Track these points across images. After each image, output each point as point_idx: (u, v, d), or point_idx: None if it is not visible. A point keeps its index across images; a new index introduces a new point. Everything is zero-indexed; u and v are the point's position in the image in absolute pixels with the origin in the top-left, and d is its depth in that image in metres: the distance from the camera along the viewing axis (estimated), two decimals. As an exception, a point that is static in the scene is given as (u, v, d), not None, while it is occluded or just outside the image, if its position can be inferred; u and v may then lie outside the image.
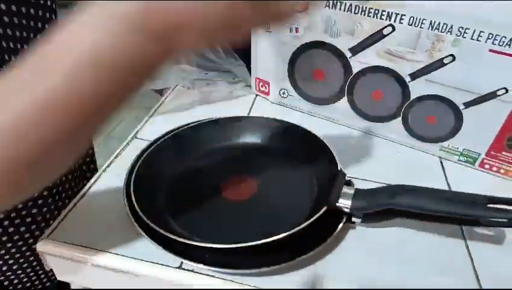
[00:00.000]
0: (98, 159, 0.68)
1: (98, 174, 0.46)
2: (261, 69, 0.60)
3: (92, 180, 0.45)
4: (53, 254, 0.37)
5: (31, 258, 0.50)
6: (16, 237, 0.46)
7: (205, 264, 0.34)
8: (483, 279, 0.36)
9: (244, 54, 0.61)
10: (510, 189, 0.47)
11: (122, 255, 0.36)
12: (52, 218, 0.50)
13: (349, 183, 0.42)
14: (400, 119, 0.52)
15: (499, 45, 0.41)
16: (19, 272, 0.50)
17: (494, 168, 0.49)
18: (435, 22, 0.43)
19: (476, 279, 0.36)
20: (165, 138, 0.48)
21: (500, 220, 0.35)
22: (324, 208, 0.37)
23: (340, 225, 0.37)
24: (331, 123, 0.58)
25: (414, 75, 0.48)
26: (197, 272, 0.35)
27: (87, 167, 0.61)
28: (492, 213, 0.34)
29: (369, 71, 0.50)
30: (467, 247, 0.39)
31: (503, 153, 0.48)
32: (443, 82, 0.46)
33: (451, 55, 0.44)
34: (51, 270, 0.39)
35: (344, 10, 0.47)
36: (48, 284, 0.54)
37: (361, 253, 0.38)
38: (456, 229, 0.41)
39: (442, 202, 0.35)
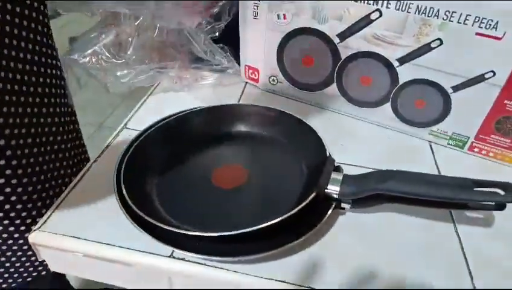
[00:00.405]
0: (91, 149, 0.68)
1: (88, 165, 0.46)
2: (250, 57, 0.60)
3: (83, 171, 0.45)
4: (45, 245, 0.38)
5: (20, 241, 0.50)
6: (6, 223, 0.46)
7: (196, 252, 0.34)
8: (472, 262, 0.37)
9: (232, 41, 0.61)
10: (499, 172, 0.48)
11: (114, 245, 0.37)
12: (44, 207, 0.50)
13: (338, 169, 0.42)
14: (389, 104, 0.52)
15: (485, 28, 0.41)
16: (13, 259, 0.50)
17: (484, 152, 0.50)
18: (421, 6, 0.43)
19: (465, 262, 0.37)
20: (155, 127, 0.48)
21: (488, 203, 0.35)
22: (313, 194, 0.37)
23: (330, 211, 0.38)
24: (320, 109, 0.58)
25: (402, 60, 0.48)
26: (188, 261, 0.35)
27: (78, 157, 0.61)
28: (480, 196, 0.34)
29: (358, 57, 0.50)
30: (456, 230, 0.40)
31: (492, 136, 0.48)
32: (431, 66, 0.46)
33: (439, 39, 0.44)
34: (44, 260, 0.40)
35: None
36: (44, 273, 0.55)
37: (351, 238, 0.39)
38: (445, 212, 0.41)
39: (430, 186, 0.35)
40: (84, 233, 0.37)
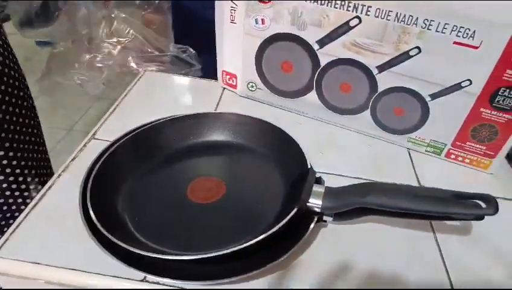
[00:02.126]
0: (61, 155, 0.64)
1: (52, 180, 0.42)
2: (228, 62, 0.58)
3: (45, 187, 0.41)
4: (2, 273, 0.34)
5: None
6: None
7: (171, 277, 0.32)
8: (452, 270, 0.37)
9: (208, 45, 0.58)
10: (475, 178, 0.49)
11: (80, 270, 0.34)
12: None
13: (319, 181, 0.41)
14: (368, 111, 0.52)
15: (463, 37, 0.41)
16: None
17: (460, 158, 0.50)
18: (400, 14, 0.42)
19: (445, 271, 0.37)
20: (125, 138, 0.45)
21: (468, 214, 0.35)
22: (294, 210, 0.35)
23: (312, 225, 0.36)
24: (300, 116, 0.56)
25: (381, 68, 0.47)
26: (163, 284, 0.33)
27: (43, 170, 0.57)
28: (461, 209, 0.34)
29: (337, 64, 0.49)
30: (436, 240, 0.40)
31: (468, 143, 0.48)
32: (410, 74, 0.46)
33: (417, 47, 0.44)
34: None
35: (310, 1, 0.46)
36: None
37: (333, 252, 0.38)
38: (425, 222, 0.41)
39: (411, 199, 0.35)
40: (46, 258, 0.34)
